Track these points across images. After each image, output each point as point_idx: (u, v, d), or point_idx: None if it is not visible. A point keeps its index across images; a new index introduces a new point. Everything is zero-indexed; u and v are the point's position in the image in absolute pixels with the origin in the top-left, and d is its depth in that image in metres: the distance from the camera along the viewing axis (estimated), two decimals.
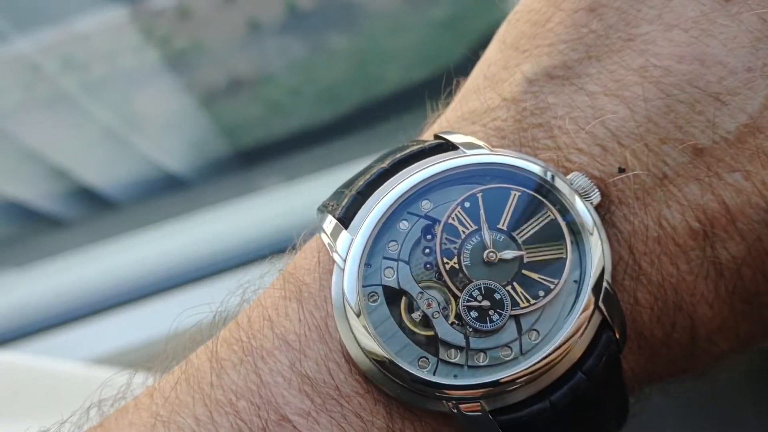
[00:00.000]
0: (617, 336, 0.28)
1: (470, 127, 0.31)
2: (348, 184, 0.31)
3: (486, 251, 0.28)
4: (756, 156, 0.28)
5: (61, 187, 1.09)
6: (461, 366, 0.28)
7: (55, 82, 1.04)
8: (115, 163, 1.11)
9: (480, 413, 0.27)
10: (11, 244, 1.10)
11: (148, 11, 1.04)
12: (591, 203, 0.29)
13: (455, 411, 0.27)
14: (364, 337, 0.27)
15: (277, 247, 0.34)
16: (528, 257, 0.28)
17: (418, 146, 0.31)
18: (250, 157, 1.14)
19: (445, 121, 0.33)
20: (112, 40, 1.04)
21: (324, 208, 0.31)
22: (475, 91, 0.33)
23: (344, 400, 0.28)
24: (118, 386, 0.32)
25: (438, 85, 0.35)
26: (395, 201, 0.29)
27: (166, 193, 1.13)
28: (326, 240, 0.29)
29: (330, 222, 0.30)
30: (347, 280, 0.28)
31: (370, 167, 0.31)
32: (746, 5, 0.29)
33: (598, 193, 0.29)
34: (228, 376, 0.28)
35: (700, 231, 0.28)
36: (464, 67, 0.36)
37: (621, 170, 0.29)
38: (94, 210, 1.12)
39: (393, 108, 1.06)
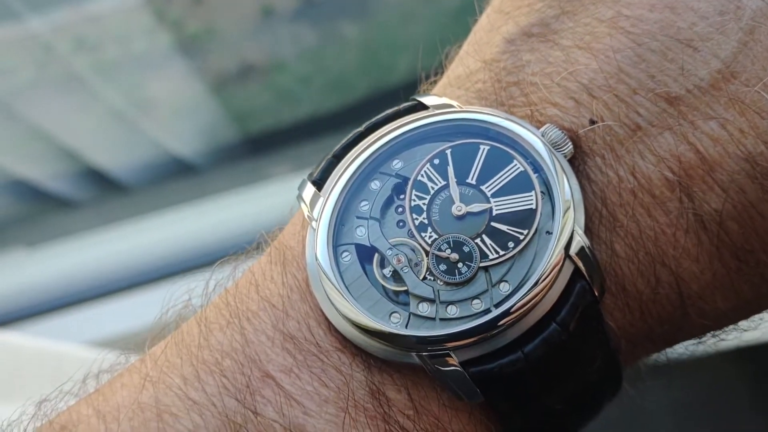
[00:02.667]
0: (591, 286, 0.27)
1: (456, 92, 0.32)
2: (330, 150, 0.32)
3: (454, 205, 0.29)
4: (732, 103, 0.27)
5: (71, 168, 1.09)
6: (432, 319, 0.28)
7: (68, 63, 1.04)
8: (125, 145, 1.11)
9: (452, 364, 0.27)
10: (20, 224, 1.10)
11: None
12: (564, 155, 0.28)
13: (427, 364, 0.27)
14: (336, 298, 0.28)
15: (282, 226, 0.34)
16: (497, 209, 0.28)
17: (392, 109, 0.31)
18: (260, 145, 1.14)
19: (435, 89, 0.33)
20: (124, 23, 1.04)
21: (308, 177, 0.31)
22: (461, 58, 0.33)
23: (324, 355, 0.28)
24: (116, 360, 0.33)
25: None
26: (365, 161, 0.30)
27: (175, 177, 1.14)
28: (303, 206, 0.30)
29: (309, 188, 0.30)
30: (319, 241, 0.29)
31: (349, 132, 0.31)
32: None
33: (571, 145, 0.28)
34: (215, 337, 0.29)
35: (675, 182, 0.28)
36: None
37: (592, 122, 0.29)
38: (104, 192, 1.12)
39: (404, 98, 1.05)
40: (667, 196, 0.28)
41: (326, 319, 0.29)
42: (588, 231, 0.28)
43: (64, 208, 1.10)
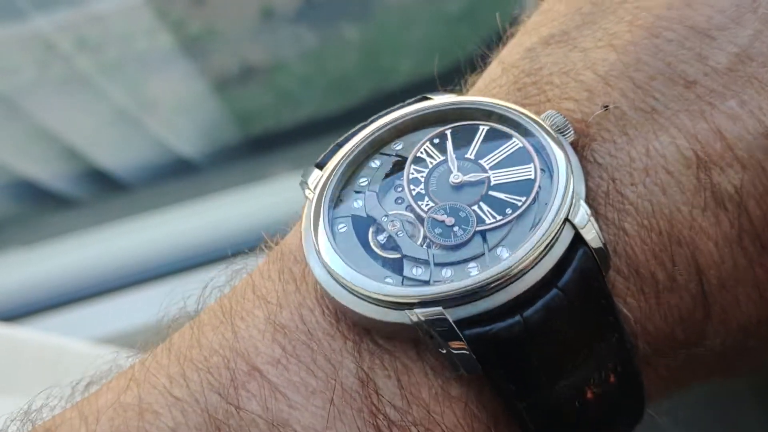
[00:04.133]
0: (593, 253, 0.27)
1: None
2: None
3: (451, 174, 0.29)
4: (749, 82, 0.27)
5: (72, 167, 1.10)
6: (426, 282, 0.27)
7: (69, 63, 1.05)
8: (126, 144, 1.12)
9: (443, 318, 0.26)
10: (20, 222, 1.11)
11: None
12: (566, 139, 0.28)
13: (419, 325, 0.26)
14: (330, 257, 0.27)
15: (285, 234, 0.34)
16: (495, 179, 0.29)
17: (399, 104, 0.31)
18: (260, 145, 1.14)
19: None
20: (126, 23, 1.04)
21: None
22: (488, 72, 0.34)
23: (314, 343, 0.27)
24: (115, 363, 0.32)
25: (450, 79, 0.36)
26: (364, 137, 0.30)
27: (175, 176, 1.14)
28: (307, 191, 0.30)
29: (314, 174, 0.30)
30: (314, 205, 0.29)
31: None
32: None
33: (572, 130, 0.28)
34: (206, 337, 0.29)
35: (693, 159, 0.27)
36: (476, 60, 0.36)
37: (605, 107, 0.29)
38: (104, 191, 1.13)
39: (404, 100, 1.06)
40: (683, 172, 0.27)
41: (319, 304, 0.28)
42: (594, 212, 0.28)
43: (63, 206, 1.11)
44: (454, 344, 0.26)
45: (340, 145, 0.30)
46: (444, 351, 0.26)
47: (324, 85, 1.11)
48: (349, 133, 0.31)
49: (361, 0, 1.05)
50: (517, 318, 0.26)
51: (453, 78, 0.36)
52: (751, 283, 0.28)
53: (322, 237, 0.28)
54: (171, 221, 1.05)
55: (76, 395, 0.31)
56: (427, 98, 0.31)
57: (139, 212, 1.05)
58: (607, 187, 0.28)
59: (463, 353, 0.26)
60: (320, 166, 0.30)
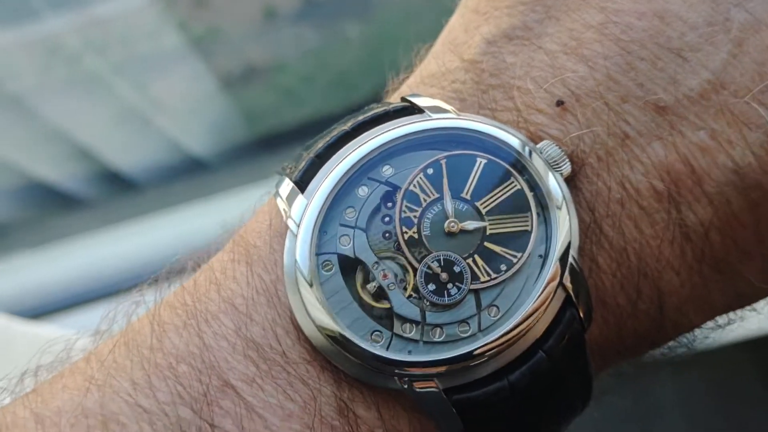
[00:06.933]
0: (581, 314, 0.27)
1: (429, 90, 0.30)
2: (308, 146, 0.30)
3: (447, 221, 0.27)
4: (721, 113, 0.27)
5: (82, 167, 1.11)
6: (416, 341, 0.26)
7: (76, 65, 1.06)
8: (135, 144, 1.13)
9: (434, 390, 0.26)
10: (31, 224, 1.12)
11: None
12: (561, 174, 0.27)
13: (406, 387, 0.26)
14: (315, 310, 0.26)
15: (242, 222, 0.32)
16: (491, 229, 0.27)
17: (381, 108, 0.29)
18: (268, 143, 1.15)
19: (405, 87, 0.32)
20: (131, 25, 1.05)
21: (282, 171, 0.29)
22: (435, 56, 0.32)
23: (291, 366, 0.27)
24: (57, 352, 0.31)
25: None
26: (354, 165, 0.28)
27: (184, 175, 1.15)
28: (281, 205, 0.28)
29: (287, 185, 0.28)
30: (300, 247, 0.27)
31: (331, 129, 0.30)
32: None
33: (569, 163, 0.27)
34: (169, 340, 0.27)
35: (664, 192, 0.27)
36: None
37: (559, 103, 0.28)
38: (114, 190, 1.14)
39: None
40: (655, 207, 0.27)
41: (295, 327, 0.27)
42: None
43: (74, 207, 1.12)
44: (440, 406, 0.26)
45: (320, 157, 0.28)
46: (427, 407, 0.27)
47: (327, 83, 1.11)
48: (329, 141, 0.29)
49: None
50: (504, 382, 0.26)
51: None
52: (706, 303, 0.29)
53: (309, 294, 0.27)
54: (182, 220, 1.05)
55: (26, 384, 0.30)
56: (409, 104, 0.29)
57: (149, 211, 1.06)
58: (588, 220, 0.28)
59: (447, 413, 0.26)
60: (300, 185, 0.28)
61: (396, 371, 0.26)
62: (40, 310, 0.98)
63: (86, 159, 1.10)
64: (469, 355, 0.26)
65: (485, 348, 0.26)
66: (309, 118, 1.13)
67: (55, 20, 1.02)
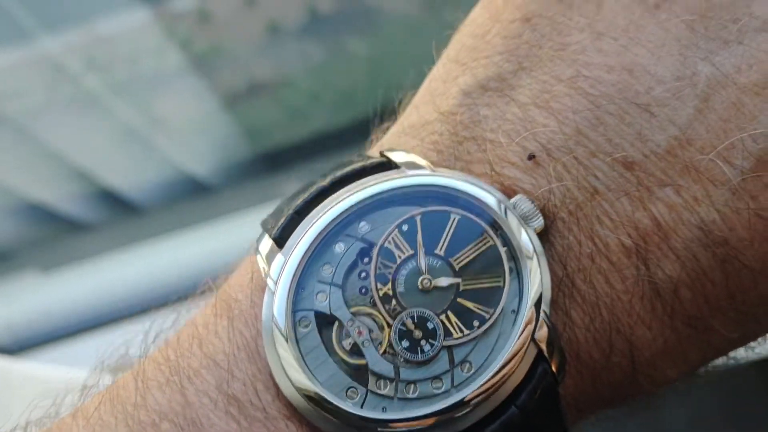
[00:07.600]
0: (554, 369, 0.27)
1: (409, 142, 0.31)
2: (289, 200, 0.30)
3: (421, 278, 0.28)
4: (687, 170, 0.27)
5: (84, 190, 1.10)
6: (391, 398, 0.27)
7: (78, 84, 1.05)
8: (137, 165, 1.12)
9: None
10: (34, 248, 1.11)
11: (169, 14, 1.05)
12: (534, 229, 0.28)
13: None
14: (292, 369, 0.27)
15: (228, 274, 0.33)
16: (464, 285, 0.28)
17: (359, 164, 0.30)
18: (272, 162, 1.14)
19: (387, 136, 0.33)
20: (134, 43, 1.05)
21: (264, 225, 0.30)
22: (415, 105, 0.33)
23: (271, 422, 0.27)
24: (47, 407, 0.31)
25: None
26: (331, 222, 0.29)
27: (188, 196, 1.14)
28: (261, 262, 0.29)
29: (266, 242, 0.29)
30: (277, 305, 0.28)
31: (310, 184, 0.30)
32: (674, 12, 0.28)
33: (542, 218, 0.28)
34: (152, 397, 0.28)
35: (632, 248, 0.27)
36: None
37: (531, 156, 0.28)
38: (117, 213, 1.13)
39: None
40: (624, 262, 0.28)
41: (274, 384, 0.28)
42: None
43: (77, 230, 1.11)
44: None
45: (298, 213, 0.29)
46: None
47: (332, 99, 1.10)
48: (307, 197, 0.29)
49: (366, 13, 1.04)
50: None
51: None
52: (680, 357, 0.29)
53: (285, 352, 0.27)
54: (186, 244, 1.05)
55: None
56: (389, 161, 0.30)
57: (153, 235, 1.05)
58: (561, 274, 0.28)
59: None
60: (279, 242, 0.29)
61: (370, 428, 0.27)
62: (39, 339, 0.98)
63: (87, 181, 1.10)
64: (441, 411, 0.26)
65: (457, 406, 0.26)
66: (314, 135, 1.12)
67: (56, 39, 1.02)
